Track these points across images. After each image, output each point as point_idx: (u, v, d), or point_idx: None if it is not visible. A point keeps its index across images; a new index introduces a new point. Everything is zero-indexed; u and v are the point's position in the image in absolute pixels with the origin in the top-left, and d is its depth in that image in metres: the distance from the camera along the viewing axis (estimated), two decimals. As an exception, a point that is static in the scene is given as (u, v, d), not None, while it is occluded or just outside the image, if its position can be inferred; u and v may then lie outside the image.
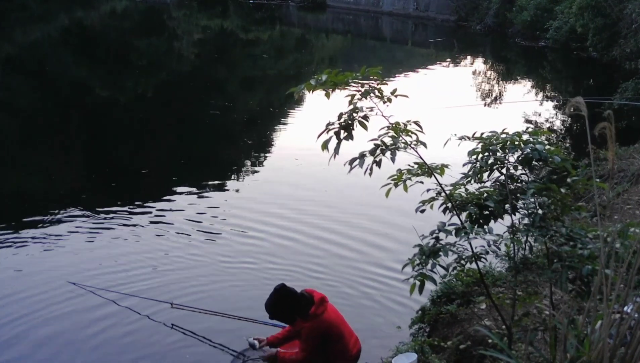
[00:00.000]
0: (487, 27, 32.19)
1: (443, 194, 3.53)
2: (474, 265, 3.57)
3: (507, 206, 3.35)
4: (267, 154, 11.51)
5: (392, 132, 3.40)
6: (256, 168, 10.50)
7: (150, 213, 7.91)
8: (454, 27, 33.84)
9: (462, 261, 3.47)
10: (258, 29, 31.46)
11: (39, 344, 5.15)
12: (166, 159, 10.69)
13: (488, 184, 3.55)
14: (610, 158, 2.82)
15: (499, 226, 3.51)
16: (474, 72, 23.23)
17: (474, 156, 3.49)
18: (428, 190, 3.59)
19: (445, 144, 3.55)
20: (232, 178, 9.73)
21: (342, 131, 3.30)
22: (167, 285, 6.10)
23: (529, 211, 3.26)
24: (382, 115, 3.39)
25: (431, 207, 3.53)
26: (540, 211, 3.22)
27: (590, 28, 21.21)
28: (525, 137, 3.43)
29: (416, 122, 3.44)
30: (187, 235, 7.32)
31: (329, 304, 4.02)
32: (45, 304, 5.69)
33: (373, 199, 8.27)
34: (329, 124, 3.35)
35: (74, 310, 5.63)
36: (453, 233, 3.31)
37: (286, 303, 3.89)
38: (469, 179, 3.50)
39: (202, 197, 8.60)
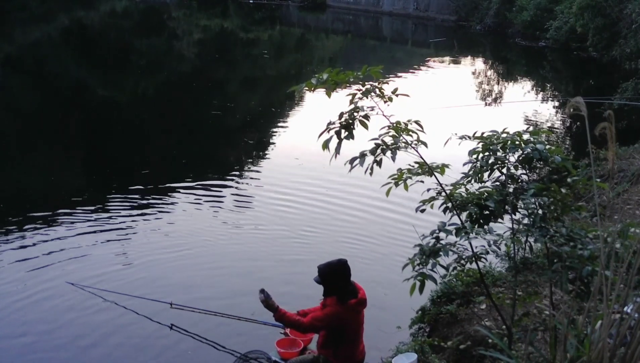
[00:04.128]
0: (487, 27, 32.18)
1: (443, 194, 3.53)
2: (474, 265, 3.58)
3: (507, 206, 3.35)
4: (267, 154, 11.50)
5: (392, 132, 3.40)
6: (256, 169, 10.49)
7: (150, 213, 7.90)
8: (454, 27, 33.82)
9: (462, 261, 3.48)
10: (258, 29, 31.44)
11: (37, 345, 5.14)
12: (167, 159, 10.68)
13: (488, 184, 3.55)
14: (610, 158, 2.82)
15: (499, 226, 3.51)
16: (474, 72, 23.23)
17: (475, 156, 3.49)
18: (428, 190, 3.60)
19: (445, 143, 3.55)
20: (233, 178, 9.72)
21: (343, 131, 3.30)
22: (167, 286, 6.09)
23: (529, 211, 3.27)
24: (383, 114, 3.39)
25: (431, 207, 3.54)
26: (540, 211, 3.22)
27: (590, 28, 21.20)
28: (525, 137, 3.44)
29: (417, 122, 3.45)
30: (187, 235, 7.31)
31: (365, 306, 4.17)
32: (43, 304, 5.68)
33: (372, 198, 8.29)
34: (329, 123, 3.35)
35: (72, 311, 5.62)
36: (453, 233, 3.32)
37: (339, 276, 4.05)
38: (470, 179, 3.50)
39: (203, 198, 8.59)
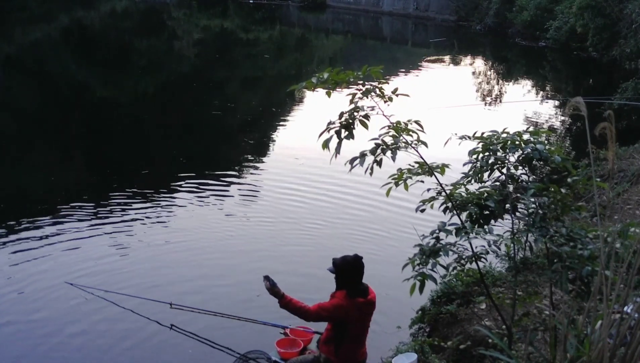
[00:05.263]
0: (487, 27, 32.20)
1: (443, 194, 3.54)
2: (474, 265, 3.58)
3: (507, 206, 3.35)
4: (267, 154, 11.49)
5: (392, 132, 3.40)
6: (256, 168, 10.48)
7: (150, 213, 7.90)
8: (454, 27, 33.84)
9: (462, 261, 3.48)
10: (258, 29, 31.44)
11: (36, 345, 5.14)
12: (167, 159, 10.68)
13: (488, 184, 3.55)
14: (610, 158, 2.82)
15: (499, 227, 3.51)
16: (474, 72, 23.23)
17: (475, 156, 3.49)
18: (428, 190, 3.60)
19: (445, 143, 3.55)
20: (234, 178, 9.72)
21: (343, 130, 3.30)
22: (167, 286, 6.09)
23: (529, 211, 3.27)
24: (383, 114, 3.39)
25: (431, 207, 3.54)
26: (540, 211, 3.22)
27: (590, 28, 21.22)
28: (525, 137, 3.44)
29: (417, 122, 3.45)
30: (187, 235, 7.31)
31: (372, 309, 4.15)
32: (42, 305, 5.67)
33: (373, 198, 8.28)
34: (329, 123, 3.35)
35: (71, 311, 5.62)
36: (453, 233, 3.32)
37: (352, 270, 4.06)
38: (470, 179, 3.50)
39: (202, 198, 8.59)
